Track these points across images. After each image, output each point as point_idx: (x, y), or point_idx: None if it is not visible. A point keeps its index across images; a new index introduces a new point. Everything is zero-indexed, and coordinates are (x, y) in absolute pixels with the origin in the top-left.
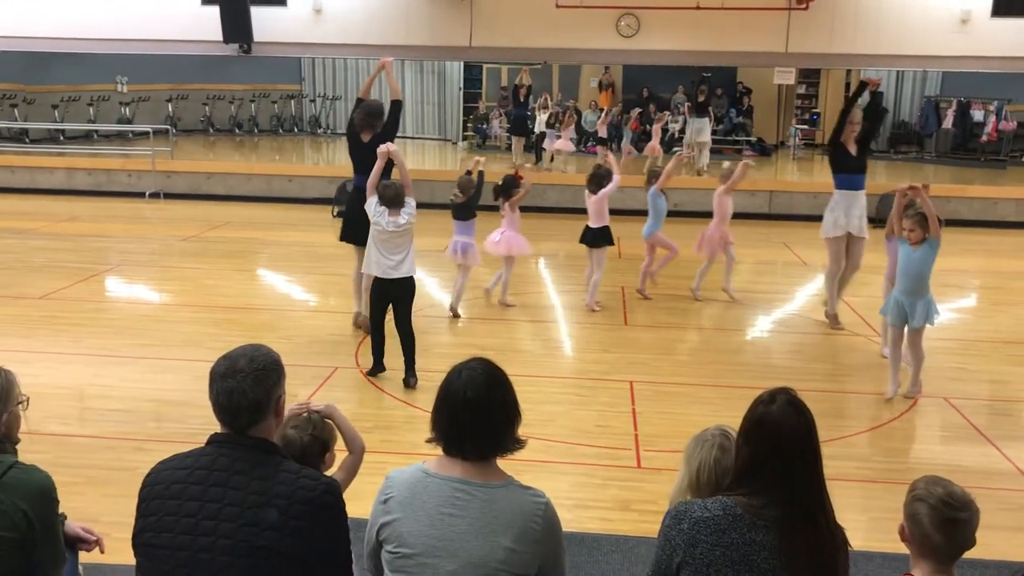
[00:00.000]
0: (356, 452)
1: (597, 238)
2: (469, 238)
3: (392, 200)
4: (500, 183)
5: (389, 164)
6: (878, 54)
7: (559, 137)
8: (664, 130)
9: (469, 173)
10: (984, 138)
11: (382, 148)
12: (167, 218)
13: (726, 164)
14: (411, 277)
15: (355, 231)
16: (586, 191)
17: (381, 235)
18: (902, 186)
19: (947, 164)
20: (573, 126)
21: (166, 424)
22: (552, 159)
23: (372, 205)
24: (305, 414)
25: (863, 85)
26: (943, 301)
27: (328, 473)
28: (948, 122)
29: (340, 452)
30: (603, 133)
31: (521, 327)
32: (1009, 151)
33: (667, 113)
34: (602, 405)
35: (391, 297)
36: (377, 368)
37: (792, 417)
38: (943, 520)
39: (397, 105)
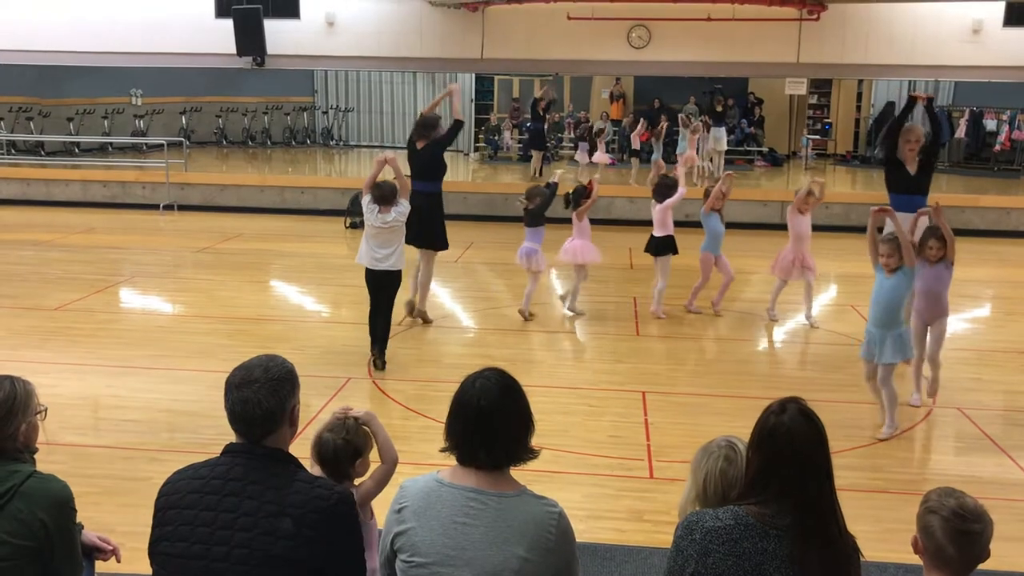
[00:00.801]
0: (388, 463)
1: (661, 247)
2: (536, 244)
3: (383, 199)
4: (570, 193)
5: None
6: (890, 64)
7: (590, 150)
8: (668, 137)
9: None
10: (997, 147)
11: (380, 157)
12: (181, 230)
13: (804, 185)
14: (398, 271)
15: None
16: (652, 201)
17: (371, 230)
18: (875, 208)
19: (960, 174)
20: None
21: (180, 435)
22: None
23: (366, 202)
24: (343, 419)
25: (912, 101)
26: (957, 311)
27: (358, 481)
28: (961, 132)
29: (375, 463)
30: (636, 145)
31: (533, 337)
32: (1022, 161)
33: (666, 121)
34: (615, 415)
35: (379, 286)
36: (376, 350)
37: (803, 426)
38: (956, 532)
39: (458, 124)
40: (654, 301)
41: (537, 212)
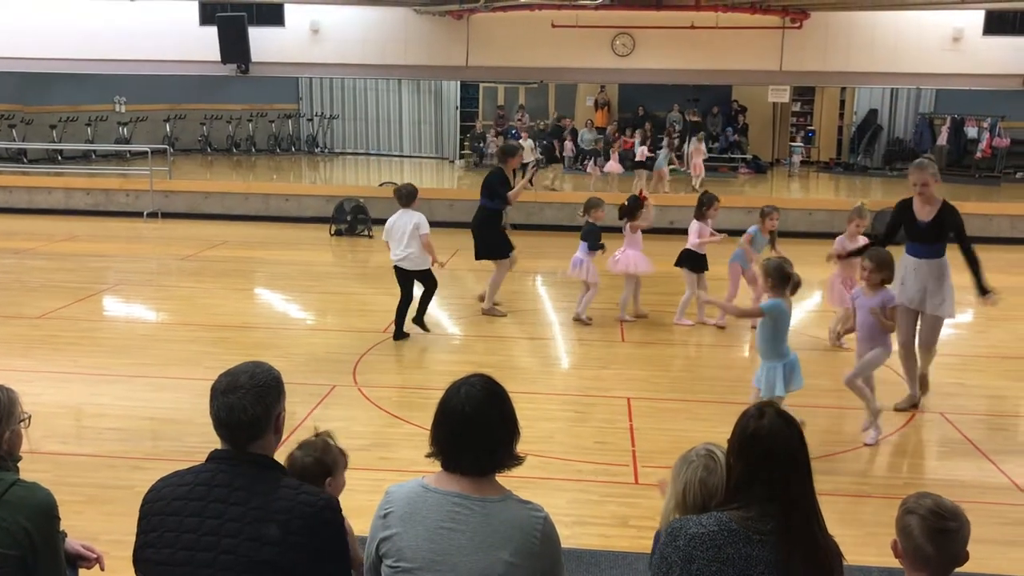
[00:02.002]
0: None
1: (680, 260)
2: (583, 255)
3: (399, 198)
4: (624, 204)
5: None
6: (872, 72)
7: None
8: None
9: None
10: (978, 155)
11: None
12: (165, 237)
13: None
14: (419, 270)
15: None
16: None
17: (390, 226)
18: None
19: (942, 181)
20: (618, 150)
21: (164, 443)
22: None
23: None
24: (313, 438)
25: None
26: None
27: None
28: (943, 139)
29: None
30: (641, 157)
31: (519, 344)
32: (1003, 168)
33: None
34: (600, 421)
35: (407, 276)
36: (399, 334)
37: (784, 430)
38: (934, 531)
39: (505, 199)
40: (699, 311)
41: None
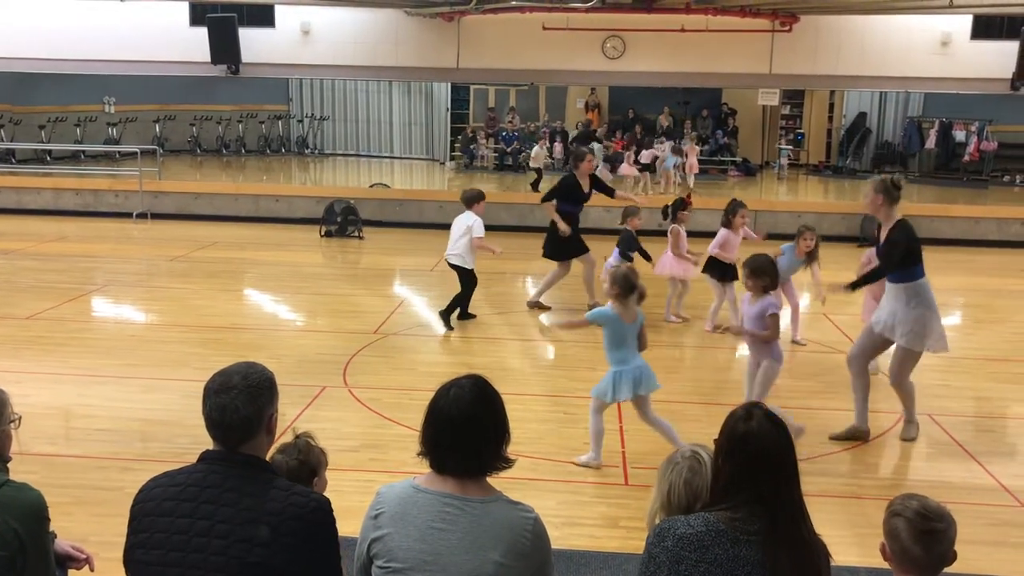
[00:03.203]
0: None
1: (706, 267)
2: (616, 260)
3: (464, 201)
4: (669, 205)
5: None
6: (861, 75)
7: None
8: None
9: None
10: (966, 158)
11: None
12: (154, 238)
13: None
14: (462, 268)
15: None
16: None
17: (453, 223)
18: None
19: (930, 184)
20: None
21: (153, 444)
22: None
23: None
24: (294, 440)
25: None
26: None
27: None
28: (931, 142)
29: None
30: (646, 160)
31: (510, 345)
32: (990, 171)
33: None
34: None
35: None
36: (460, 315)
37: (772, 431)
38: (920, 532)
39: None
40: (713, 319)
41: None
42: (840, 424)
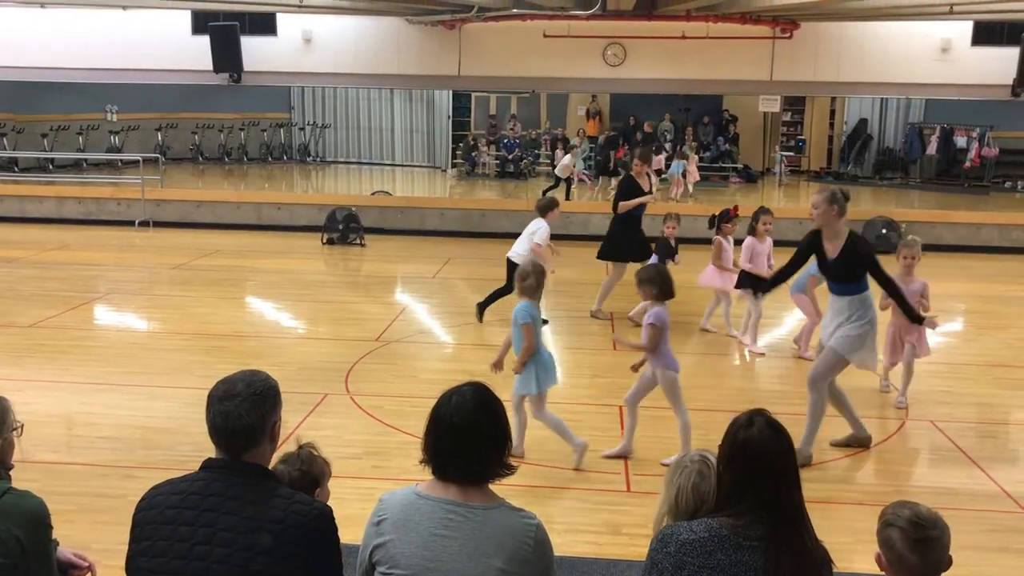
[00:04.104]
0: None
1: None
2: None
3: (536, 209)
4: (715, 215)
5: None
6: (862, 82)
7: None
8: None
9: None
10: (967, 164)
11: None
12: (156, 246)
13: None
14: (509, 259)
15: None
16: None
17: None
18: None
19: (931, 190)
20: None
21: (155, 452)
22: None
23: None
24: (297, 450)
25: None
26: None
27: None
28: (932, 148)
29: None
30: (658, 165)
31: (511, 353)
32: (992, 177)
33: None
34: (593, 430)
35: (512, 268)
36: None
37: (773, 439)
38: (915, 541)
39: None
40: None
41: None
42: (838, 431)
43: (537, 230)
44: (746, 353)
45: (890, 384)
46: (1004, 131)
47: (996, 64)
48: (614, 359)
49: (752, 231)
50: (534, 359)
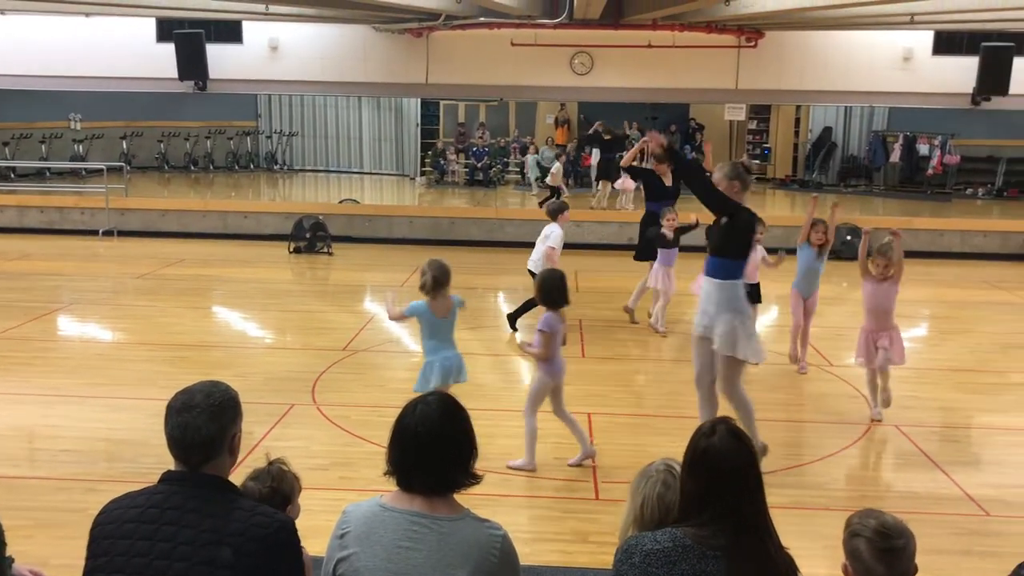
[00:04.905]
0: None
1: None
2: (660, 264)
3: (548, 213)
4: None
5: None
6: (826, 90)
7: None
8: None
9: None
10: (930, 172)
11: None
12: (121, 256)
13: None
14: (530, 268)
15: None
16: None
17: None
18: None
19: (895, 197)
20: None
21: (119, 464)
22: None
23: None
24: (267, 466)
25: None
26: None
27: None
28: (895, 156)
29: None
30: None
31: (480, 361)
32: (953, 184)
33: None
34: (560, 438)
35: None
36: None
37: (734, 447)
38: (881, 551)
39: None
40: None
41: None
42: (808, 436)
43: (550, 235)
44: None
45: (880, 411)
46: (965, 139)
47: (956, 73)
48: (581, 367)
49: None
50: (433, 357)
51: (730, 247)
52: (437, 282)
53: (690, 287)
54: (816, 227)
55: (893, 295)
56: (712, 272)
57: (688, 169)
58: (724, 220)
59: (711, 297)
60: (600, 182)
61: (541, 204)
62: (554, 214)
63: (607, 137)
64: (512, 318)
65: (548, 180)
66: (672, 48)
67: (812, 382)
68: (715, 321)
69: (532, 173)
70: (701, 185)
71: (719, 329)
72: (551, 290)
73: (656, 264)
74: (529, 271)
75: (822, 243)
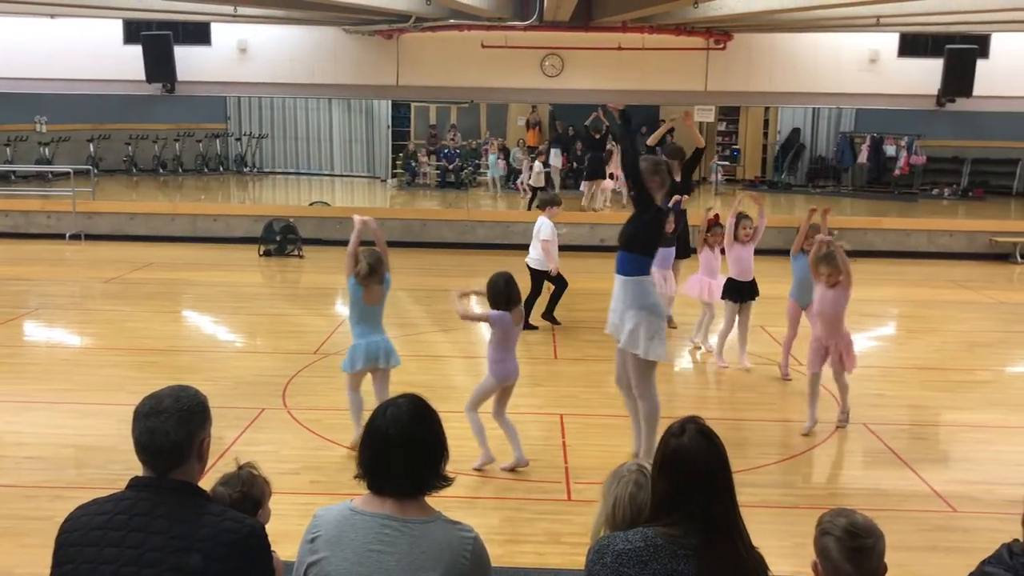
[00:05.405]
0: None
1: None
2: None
3: (538, 206)
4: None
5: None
6: (793, 91)
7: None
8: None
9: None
10: (897, 172)
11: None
12: (89, 260)
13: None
14: (541, 270)
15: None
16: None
17: None
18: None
19: (862, 198)
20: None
21: (87, 471)
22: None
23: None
24: (236, 471)
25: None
26: (861, 330)
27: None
28: (863, 157)
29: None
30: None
31: (453, 363)
32: (920, 184)
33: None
34: (533, 439)
35: (533, 273)
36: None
37: (703, 446)
38: (850, 550)
39: (699, 152)
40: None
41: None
42: (778, 435)
43: (539, 229)
44: (703, 358)
45: (846, 418)
46: (931, 140)
47: (922, 75)
48: (555, 369)
49: (735, 237)
50: (356, 341)
51: (639, 242)
52: (372, 270)
53: (682, 288)
54: (811, 235)
55: (843, 302)
56: (621, 268)
57: (629, 138)
58: (634, 214)
59: (619, 294)
60: (588, 182)
61: (530, 207)
62: (543, 205)
63: (596, 135)
64: (549, 314)
65: (532, 181)
66: (642, 50)
67: (779, 382)
68: (623, 318)
69: (492, 172)
70: (632, 160)
71: (625, 326)
72: (496, 294)
73: (654, 266)
74: (530, 268)
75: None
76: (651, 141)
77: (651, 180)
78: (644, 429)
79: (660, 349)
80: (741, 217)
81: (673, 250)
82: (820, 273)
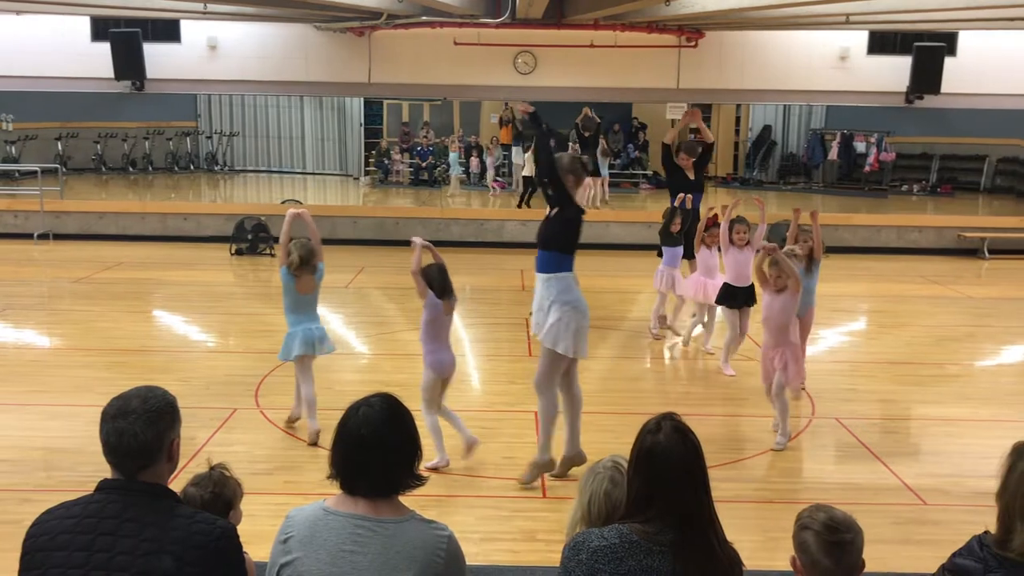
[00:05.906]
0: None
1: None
2: (664, 266)
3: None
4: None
5: None
6: (765, 89)
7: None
8: None
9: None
10: (867, 168)
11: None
12: (57, 260)
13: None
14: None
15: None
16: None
17: None
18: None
19: (833, 194)
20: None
21: (56, 473)
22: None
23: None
24: (208, 471)
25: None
26: (832, 325)
27: None
28: (833, 154)
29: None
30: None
31: None
32: (889, 181)
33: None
34: (508, 437)
35: None
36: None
37: (679, 443)
38: (830, 544)
39: (709, 148)
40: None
41: (663, 232)
42: (751, 430)
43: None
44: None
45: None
46: (900, 136)
47: (891, 72)
48: (528, 365)
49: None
50: (291, 329)
51: (558, 240)
52: (303, 260)
53: (679, 288)
54: (800, 238)
55: (790, 308)
56: (541, 267)
57: (544, 141)
58: (553, 212)
59: (541, 292)
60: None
61: (520, 205)
62: None
63: (586, 133)
64: None
65: (525, 172)
66: (614, 48)
67: (753, 377)
68: (548, 316)
69: (453, 170)
70: (547, 160)
71: (548, 320)
72: (430, 282)
73: (661, 265)
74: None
75: (808, 255)
76: (668, 139)
77: (567, 178)
78: (542, 427)
79: (581, 345)
80: (735, 221)
81: (681, 249)
82: (766, 278)
